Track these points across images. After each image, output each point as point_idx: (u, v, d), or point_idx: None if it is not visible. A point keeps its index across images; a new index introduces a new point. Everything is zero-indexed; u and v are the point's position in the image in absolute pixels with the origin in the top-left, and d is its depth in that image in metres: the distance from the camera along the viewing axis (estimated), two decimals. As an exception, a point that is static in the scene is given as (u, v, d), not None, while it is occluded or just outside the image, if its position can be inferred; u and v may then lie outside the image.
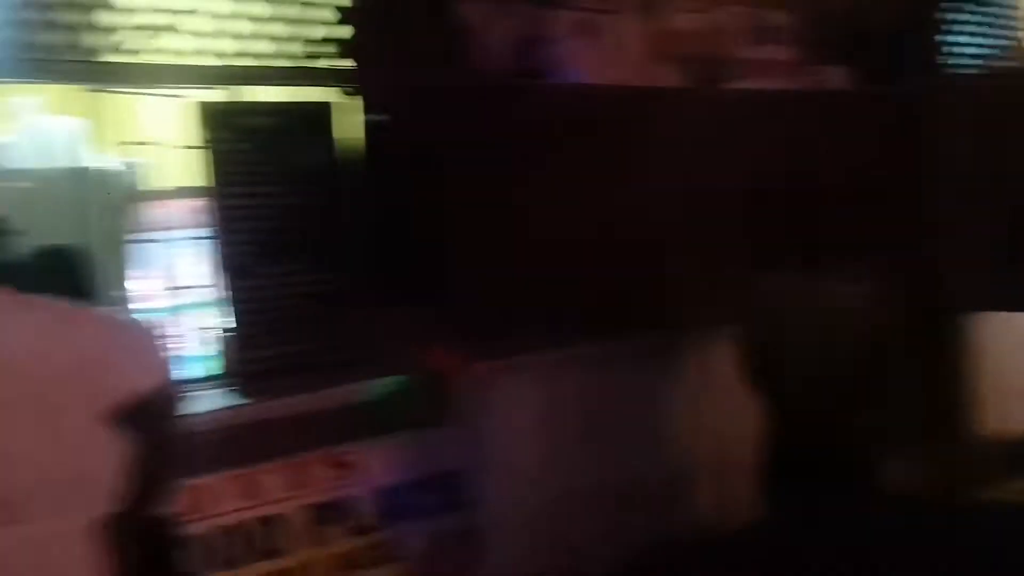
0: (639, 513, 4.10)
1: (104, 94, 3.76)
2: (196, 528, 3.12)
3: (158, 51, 3.49)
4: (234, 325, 3.54)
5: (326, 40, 3.83)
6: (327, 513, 3.52)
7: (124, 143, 3.81)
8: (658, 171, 4.13)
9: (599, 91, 4.16)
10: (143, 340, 2.25)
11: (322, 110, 3.77)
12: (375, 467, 3.63)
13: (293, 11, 3.77)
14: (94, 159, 4.19)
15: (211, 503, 3.23)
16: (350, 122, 3.85)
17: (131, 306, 3.61)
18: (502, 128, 3.91)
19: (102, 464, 2.02)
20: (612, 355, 4.09)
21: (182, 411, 2.34)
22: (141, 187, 4.00)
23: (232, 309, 3.54)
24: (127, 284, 3.69)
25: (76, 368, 1.97)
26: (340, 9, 3.84)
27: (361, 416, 3.57)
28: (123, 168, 4.08)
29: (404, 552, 3.69)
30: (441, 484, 3.78)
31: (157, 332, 2.96)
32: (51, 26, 3.28)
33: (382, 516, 3.64)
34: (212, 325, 3.70)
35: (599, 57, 4.33)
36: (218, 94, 3.72)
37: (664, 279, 4.20)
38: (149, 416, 2.09)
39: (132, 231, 3.84)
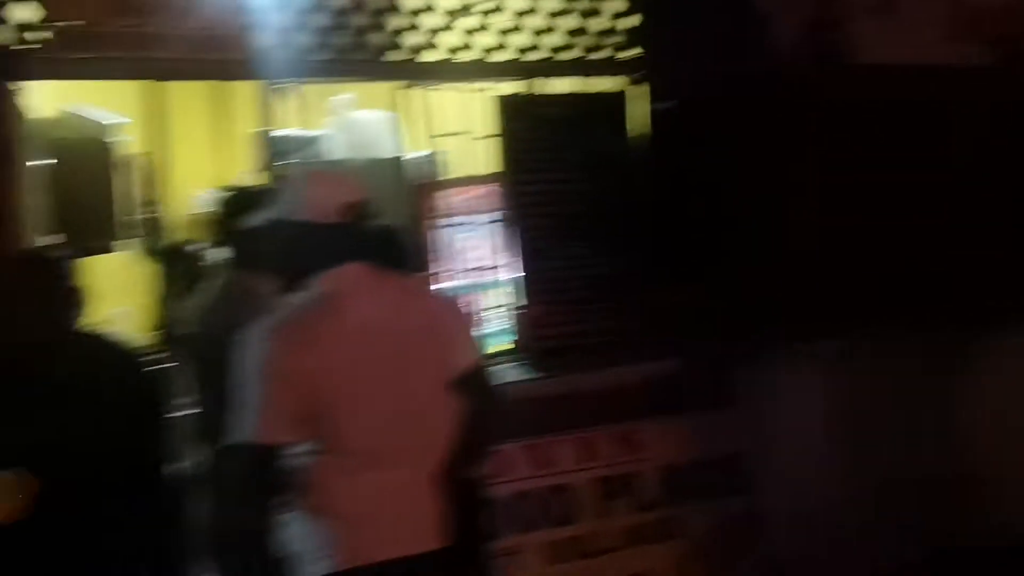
0: (930, 512, 3.91)
1: (412, 89, 4.08)
2: (497, 491, 3.35)
3: (462, 49, 3.78)
4: (527, 304, 3.76)
5: (615, 31, 3.96)
6: (614, 487, 3.68)
7: (430, 134, 4.13)
8: (963, 157, 3.90)
9: (897, 73, 3.98)
10: (467, 315, 2.49)
11: (614, 99, 3.90)
12: (660, 445, 3.73)
13: (584, 3, 3.93)
14: (402, 149, 4.59)
15: (509, 469, 3.47)
16: (638, 110, 3.96)
17: (438, 284, 3.93)
18: (794, 113, 3.85)
19: (440, 425, 2.27)
20: (907, 347, 3.92)
21: (496, 383, 2.56)
22: (444, 175, 4.32)
23: (525, 289, 3.76)
24: (433, 264, 4.02)
25: (425, 338, 2.23)
26: (629, -1, 3.95)
27: (647, 395, 3.69)
28: (428, 157, 4.43)
29: (687, 531, 3.76)
30: (724, 466, 3.82)
31: (472, 309, 3.22)
32: (364, 30, 3.65)
33: (666, 494, 3.74)
34: (506, 303, 3.95)
35: (896, 37, 4.13)
36: (515, 86, 3.95)
37: (968, 269, 3.97)
38: (475, 385, 2.32)
39: (436, 215, 4.17)
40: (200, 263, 4.60)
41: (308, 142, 4.43)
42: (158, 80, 3.84)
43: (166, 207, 5.08)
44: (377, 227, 2.37)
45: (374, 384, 2.10)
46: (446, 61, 3.75)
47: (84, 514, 2.48)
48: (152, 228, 5.05)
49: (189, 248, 4.71)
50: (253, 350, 2.05)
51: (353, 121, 4.65)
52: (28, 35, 3.20)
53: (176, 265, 4.52)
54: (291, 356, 2.02)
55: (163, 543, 2.64)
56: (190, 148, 5.10)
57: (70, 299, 2.72)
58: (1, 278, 2.75)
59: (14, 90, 3.20)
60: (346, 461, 2.09)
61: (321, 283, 2.12)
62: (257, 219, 2.25)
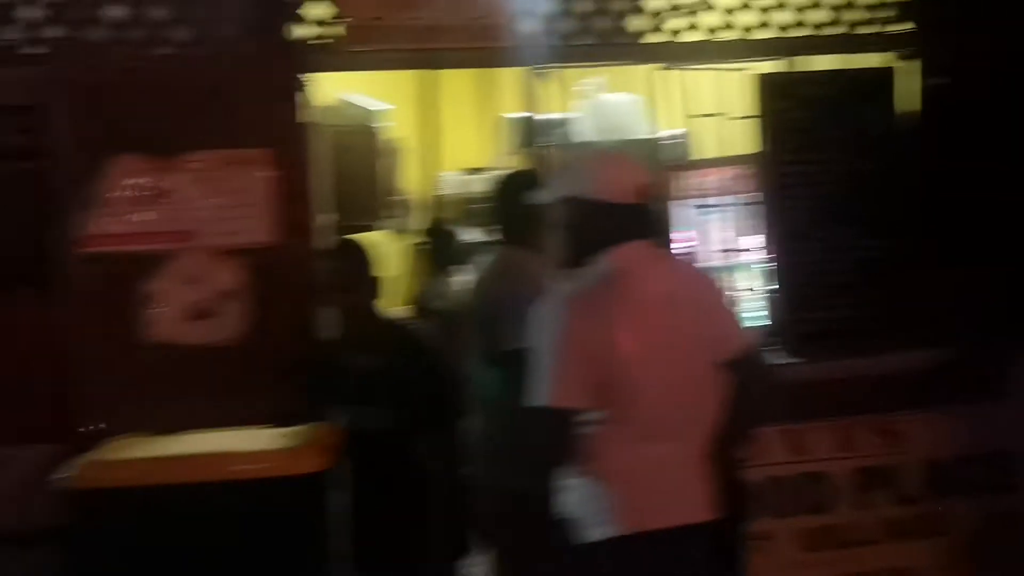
0: None
1: (670, 71, 4.09)
2: (752, 475, 3.34)
3: (722, 28, 3.76)
4: (784, 287, 3.70)
5: (884, 4, 3.80)
6: (872, 478, 3.57)
7: (685, 115, 4.13)
8: None
9: None
10: (729, 296, 2.51)
11: (882, 76, 3.74)
12: (923, 438, 3.58)
13: (852, -23, 3.79)
14: (652, 131, 4.63)
15: (763, 454, 3.44)
16: (905, 86, 3.78)
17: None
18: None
19: (711, 402, 2.31)
20: None
21: (764, 367, 2.56)
22: (695, 155, 4.33)
23: (783, 271, 3.70)
24: (683, 244, 4.05)
25: (701, 316, 2.29)
26: (901, -29, 3.77)
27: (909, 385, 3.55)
28: (679, 138, 4.45)
29: (950, 527, 3.59)
30: (992, 462, 3.61)
31: (731, 290, 3.20)
32: (625, 13, 3.70)
33: (929, 488, 3.59)
34: (759, 286, 3.91)
35: None
36: (777, 65, 3.88)
37: None
38: (749, 367, 2.35)
39: (687, 196, 4.18)
40: (461, 241, 4.87)
41: (560, 125, 4.56)
42: (431, 69, 4.07)
43: (427, 188, 5.40)
44: (652, 207, 2.44)
45: (656, 358, 2.18)
46: (706, 41, 3.75)
47: (382, 468, 2.72)
48: (413, 208, 5.38)
49: (451, 227, 4.99)
50: (550, 320, 2.17)
51: (603, 103, 4.73)
52: (322, 31, 3.50)
53: (439, 243, 4.80)
54: (585, 327, 2.14)
55: (443, 499, 2.85)
56: (449, 132, 5.37)
57: (376, 283, 2.97)
58: (323, 263, 3.03)
59: (306, 82, 3.51)
60: (627, 431, 2.18)
61: (611, 259, 2.22)
62: (549, 197, 2.36)
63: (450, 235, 4.85)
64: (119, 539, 2.55)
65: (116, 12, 3.40)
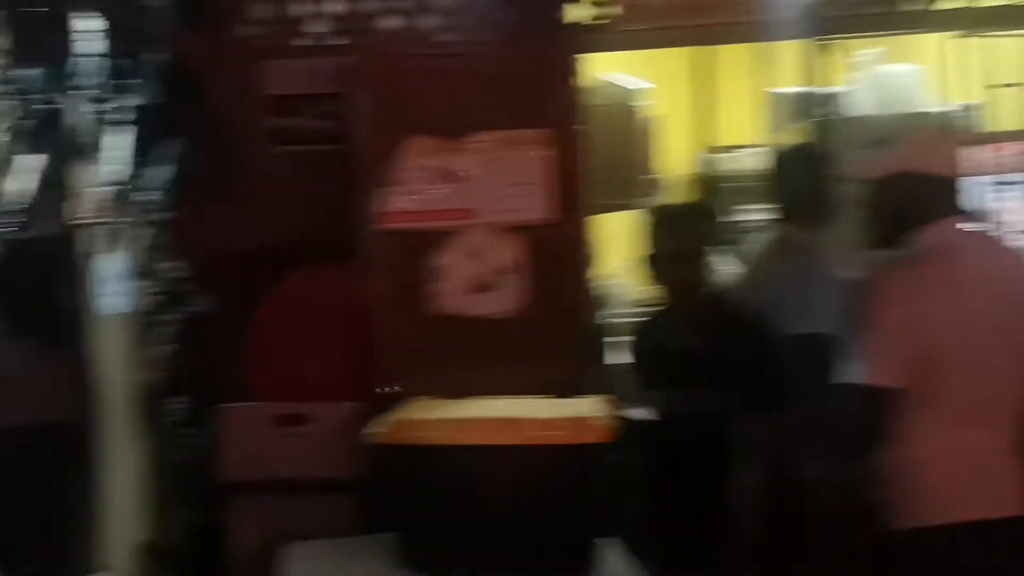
0: None
1: (957, 38, 3.83)
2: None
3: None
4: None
5: None
6: None
7: (981, 85, 3.86)
8: None
9: None
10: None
11: None
12: None
13: None
14: (935, 103, 4.34)
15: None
16: None
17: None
18: None
19: (1022, 391, 2.17)
20: None
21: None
22: (991, 128, 4.03)
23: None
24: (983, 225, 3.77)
25: (1020, 298, 2.15)
26: None
27: None
28: (967, 110, 4.15)
29: None
30: None
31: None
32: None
33: None
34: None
35: None
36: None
37: None
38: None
39: (981, 172, 3.90)
40: (723, 220, 4.79)
41: (837, 98, 4.38)
42: (704, 45, 4.04)
43: (690, 166, 5.34)
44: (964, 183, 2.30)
45: (972, 340, 2.10)
46: (1008, 5, 3.47)
47: (697, 455, 2.63)
48: (673, 187, 5.34)
49: (712, 205, 4.91)
50: (869, 298, 2.13)
51: (882, 75, 4.49)
52: (597, 12, 3.55)
53: (700, 222, 4.73)
54: (904, 305, 2.09)
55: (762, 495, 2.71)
56: (720, 108, 5.29)
57: (705, 255, 2.86)
58: (651, 233, 2.99)
59: (580, 63, 3.57)
60: (939, 415, 2.11)
61: (928, 236, 2.14)
62: (860, 173, 2.29)
63: (711, 214, 4.78)
64: (417, 492, 2.71)
65: (407, 3, 3.62)
